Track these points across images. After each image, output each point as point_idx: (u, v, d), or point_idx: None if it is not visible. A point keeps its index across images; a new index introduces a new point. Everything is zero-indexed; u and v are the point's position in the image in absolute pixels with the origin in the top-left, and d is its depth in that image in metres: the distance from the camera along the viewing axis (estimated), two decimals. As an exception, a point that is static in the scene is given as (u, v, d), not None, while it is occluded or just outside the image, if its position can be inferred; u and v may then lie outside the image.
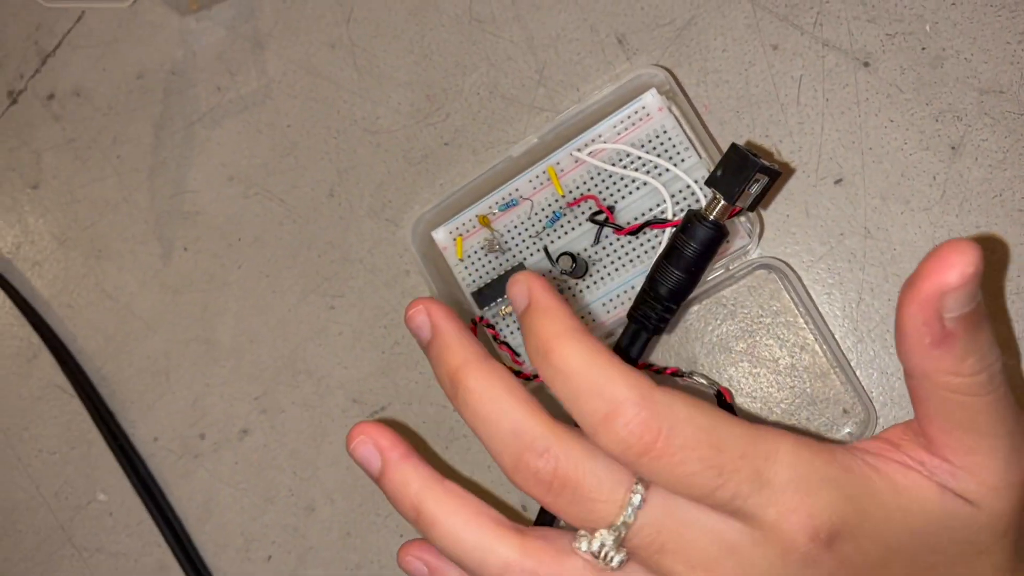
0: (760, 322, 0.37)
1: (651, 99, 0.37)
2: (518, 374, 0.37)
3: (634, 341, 0.33)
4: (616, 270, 0.37)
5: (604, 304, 0.37)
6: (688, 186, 0.36)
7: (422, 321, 0.26)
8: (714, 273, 0.35)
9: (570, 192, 0.38)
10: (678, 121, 0.37)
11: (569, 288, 0.38)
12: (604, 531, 0.23)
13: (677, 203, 0.36)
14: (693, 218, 0.29)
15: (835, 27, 0.36)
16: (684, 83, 0.38)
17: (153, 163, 0.45)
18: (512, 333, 0.38)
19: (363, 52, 0.42)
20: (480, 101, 0.41)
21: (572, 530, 0.25)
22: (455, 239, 0.39)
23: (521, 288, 0.25)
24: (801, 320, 0.36)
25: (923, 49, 0.36)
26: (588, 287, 0.37)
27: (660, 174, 0.36)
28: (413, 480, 0.26)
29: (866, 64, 0.36)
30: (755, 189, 0.29)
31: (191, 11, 0.45)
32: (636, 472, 0.23)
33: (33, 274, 0.47)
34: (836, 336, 0.36)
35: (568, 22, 0.40)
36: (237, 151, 0.44)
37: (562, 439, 0.24)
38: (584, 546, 0.24)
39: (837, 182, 0.36)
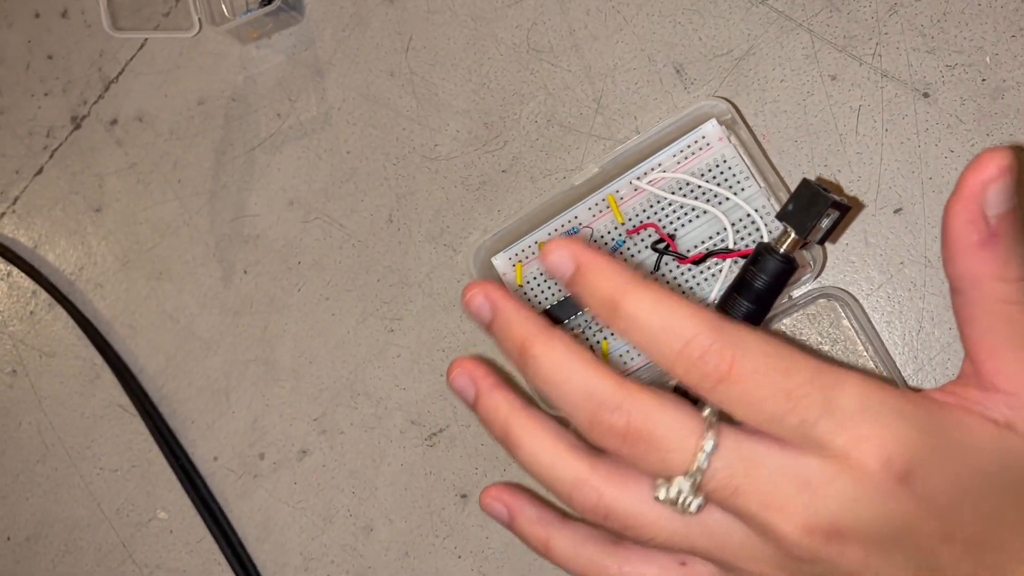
0: (820, 349, 0.37)
1: (711, 129, 0.37)
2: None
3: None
4: (676, 297, 0.38)
5: (663, 330, 0.38)
6: (748, 215, 0.37)
7: (481, 303, 0.27)
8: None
9: (629, 220, 0.38)
10: (738, 151, 0.37)
11: (629, 314, 0.38)
12: (680, 478, 0.24)
13: (737, 231, 0.37)
14: (764, 251, 0.29)
15: (894, 58, 0.37)
16: (742, 113, 0.38)
17: (214, 187, 0.46)
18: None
19: (422, 80, 0.43)
20: (538, 129, 0.41)
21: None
22: (515, 265, 0.40)
23: (561, 254, 0.25)
24: (861, 347, 0.36)
25: (983, 80, 0.36)
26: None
27: (720, 203, 0.37)
28: (503, 406, 0.27)
29: (925, 95, 0.37)
30: (825, 224, 0.29)
31: (251, 39, 0.46)
32: (713, 402, 0.24)
33: (96, 295, 0.48)
34: (897, 363, 0.36)
35: (626, 52, 0.40)
36: (297, 176, 0.45)
37: (633, 394, 0.24)
38: (663, 494, 0.24)
39: (896, 211, 0.37)
